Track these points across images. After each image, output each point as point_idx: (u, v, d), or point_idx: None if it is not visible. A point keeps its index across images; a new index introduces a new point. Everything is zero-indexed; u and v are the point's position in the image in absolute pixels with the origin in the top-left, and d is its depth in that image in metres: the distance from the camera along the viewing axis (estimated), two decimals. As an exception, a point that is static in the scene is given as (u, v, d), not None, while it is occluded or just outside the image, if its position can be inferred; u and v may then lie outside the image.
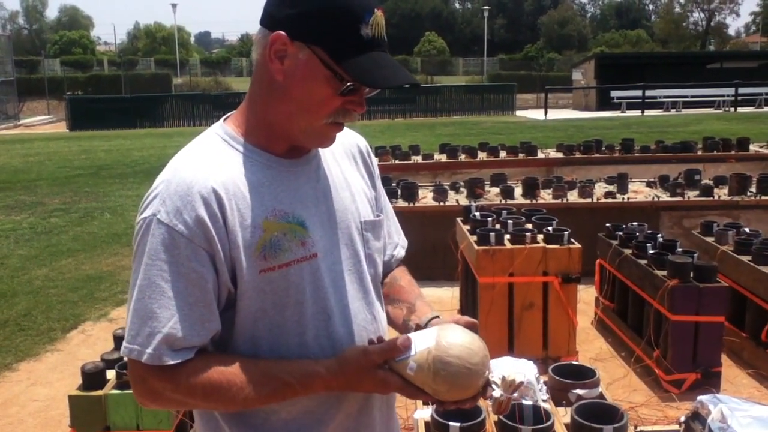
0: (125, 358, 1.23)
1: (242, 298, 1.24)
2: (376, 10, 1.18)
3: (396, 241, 1.59)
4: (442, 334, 1.23)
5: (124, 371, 2.98)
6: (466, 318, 1.33)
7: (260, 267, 1.22)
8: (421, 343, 1.22)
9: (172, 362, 1.19)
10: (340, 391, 1.26)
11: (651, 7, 80.00)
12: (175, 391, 1.20)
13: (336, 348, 1.29)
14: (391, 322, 1.48)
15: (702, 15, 66.40)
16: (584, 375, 2.61)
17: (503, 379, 1.26)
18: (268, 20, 1.22)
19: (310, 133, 1.26)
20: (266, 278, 1.23)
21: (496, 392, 1.25)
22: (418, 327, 1.39)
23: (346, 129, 1.47)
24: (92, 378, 3.00)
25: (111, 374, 3.06)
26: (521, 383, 1.27)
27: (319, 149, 1.36)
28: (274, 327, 1.26)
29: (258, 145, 1.28)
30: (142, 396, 1.23)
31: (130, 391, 2.93)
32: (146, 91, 35.85)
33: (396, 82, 1.20)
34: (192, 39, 72.85)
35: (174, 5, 52.82)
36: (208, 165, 1.23)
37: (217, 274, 1.21)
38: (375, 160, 1.54)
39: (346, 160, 1.44)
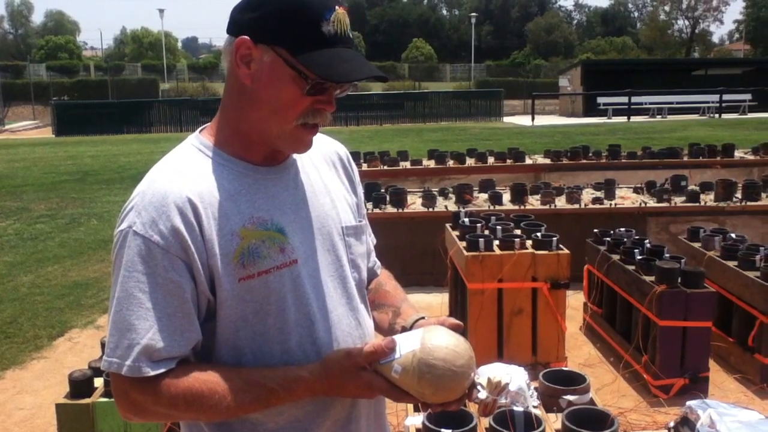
0: (104, 373, 1.22)
1: (222, 306, 1.23)
2: (337, 7, 1.19)
3: (372, 248, 1.59)
4: (427, 336, 1.23)
5: (113, 379, 2.95)
6: (452, 320, 1.33)
7: (239, 275, 1.22)
8: (406, 346, 1.22)
9: (152, 373, 1.18)
10: (324, 395, 1.25)
11: (636, 14, 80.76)
12: (156, 403, 1.19)
13: (321, 354, 1.29)
14: (377, 327, 1.48)
15: (686, 22, 67.08)
16: (575, 381, 2.62)
17: (489, 381, 1.27)
18: (233, 27, 1.23)
19: (283, 137, 1.25)
20: (246, 286, 1.22)
21: (482, 394, 1.25)
22: (404, 329, 1.39)
23: (325, 137, 1.49)
24: (80, 386, 2.97)
25: (99, 382, 3.04)
26: (507, 385, 1.28)
27: (297, 157, 1.36)
28: (256, 335, 1.25)
29: (234, 154, 1.29)
30: (125, 409, 1.22)
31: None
32: (133, 96, 35.75)
33: (359, 75, 1.19)
34: (179, 44, 72.58)
35: (161, 10, 52.67)
36: (184, 175, 1.23)
37: (195, 283, 1.21)
38: (355, 167, 1.54)
39: (325, 166, 1.44)
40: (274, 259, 1.25)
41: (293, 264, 1.27)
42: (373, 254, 1.60)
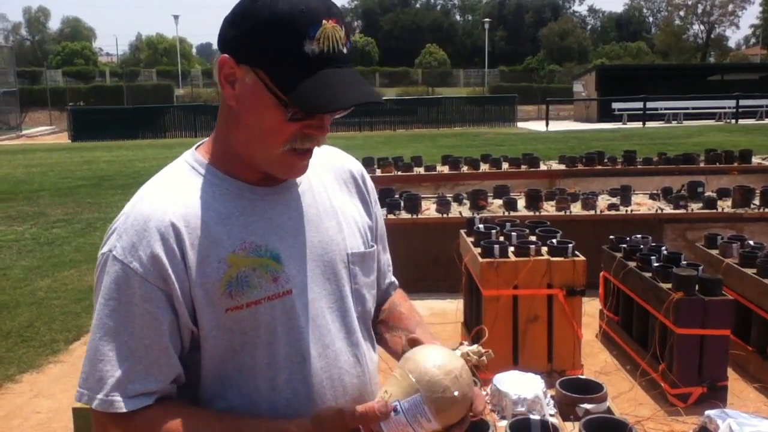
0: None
1: (207, 338, 1.15)
2: (324, 21, 1.06)
3: (388, 269, 1.51)
4: (409, 369, 1.14)
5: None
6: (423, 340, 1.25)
7: (226, 305, 1.13)
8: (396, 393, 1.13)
9: (125, 410, 1.10)
10: None
11: (651, 19, 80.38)
12: None
13: (311, 393, 1.20)
14: (392, 350, 1.39)
15: (702, 27, 66.74)
16: (592, 389, 2.59)
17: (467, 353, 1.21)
18: (221, 43, 1.14)
19: (271, 162, 1.16)
20: (233, 317, 1.14)
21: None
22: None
23: (339, 152, 1.39)
24: (96, 391, 2.99)
25: (115, 387, 3.05)
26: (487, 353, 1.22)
27: (304, 175, 1.25)
28: (243, 369, 1.17)
29: (229, 172, 1.20)
30: None
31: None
32: (148, 102, 35.98)
33: (345, 103, 1.06)
34: (193, 50, 73.15)
35: (176, 17, 53.13)
36: (170, 197, 1.16)
37: (177, 315, 1.13)
38: (372, 186, 1.43)
39: (336, 186, 1.33)
40: (266, 289, 1.15)
41: (286, 295, 1.17)
42: (390, 273, 1.51)
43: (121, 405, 1.10)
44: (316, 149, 1.20)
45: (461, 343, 1.23)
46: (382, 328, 1.42)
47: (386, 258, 1.49)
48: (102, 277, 1.13)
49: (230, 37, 1.11)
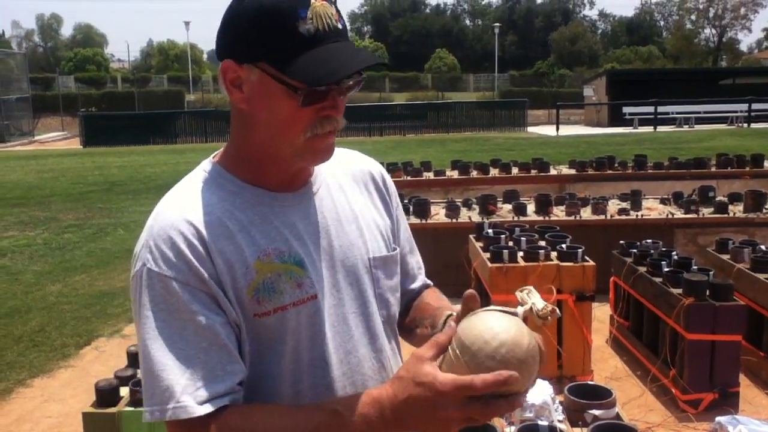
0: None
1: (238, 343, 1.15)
2: (313, 1, 1.07)
3: (419, 271, 1.48)
4: (463, 335, 1.03)
5: (138, 388, 2.98)
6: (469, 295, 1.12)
7: (254, 311, 1.13)
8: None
9: (200, 413, 1.05)
10: (395, 412, 1.04)
11: (662, 23, 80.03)
12: None
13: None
14: (422, 344, 1.38)
15: (713, 31, 66.36)
16: (600, 395, 2.58)
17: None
18: (219, 52, 1.15)
19: (299, 154, 1.15)
20: (261, 323, 1.14)
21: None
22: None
23: (358, 154, 1.39)
24: (106, 395, 3.00)
25: (125, 391, 3.06)
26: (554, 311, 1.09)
27: (321, 180, 1.27)
28: (268, 376, 1.16)
29: (248, 180, 1.19)
30: None
31: (143, 409, 2.93)
32: (159, 107, 36.25)
33: (347, 70, 1.07)
34: (204, 56, 73.41)
35: (187, 23, 53.37)
36: (193, 206, 1.15)
37: (225, 313, 1.12)
38: (393, 187, 1.41)
39: (355, 189, 1.32)
40: (291, 295, 1.15)
41: (311, 300, 1.17)
42: (422, 275, 1.48)
43: (195, 409, 1.05)
44: (335, 152, 1.20)
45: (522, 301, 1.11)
46: (412, 325, 1.40)
47: (415, 260, 1.47)
48: (141, 294, 1.11)
49: (227, 41, 1.13)
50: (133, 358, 3.50)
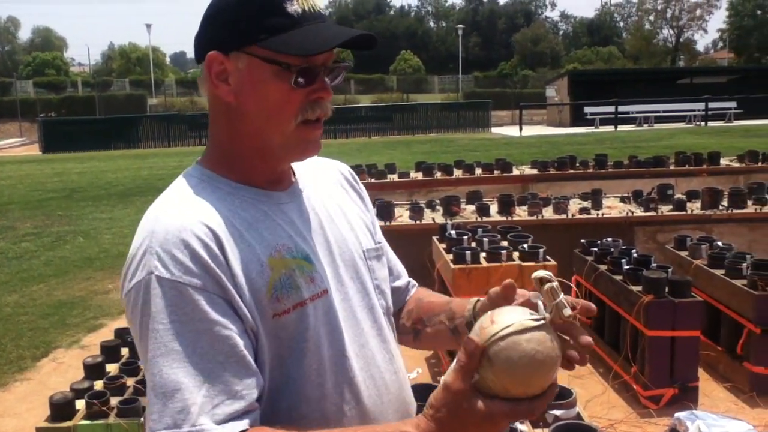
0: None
1: (257, 348, 1.10)
2: None
3: (399, 267, 1.48)
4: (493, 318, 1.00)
5: (94, 401, 2.90)
6: (507, 285, 1.13)
7: (274, 310, 1.08)
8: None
9: None
10: None
11: (622, 24, 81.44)
12: None
13: (358, 395, 1.16)
14: (440, 342, 1.34)
15: (671, 32, 67.73)
16: (561, 395, 2.59)
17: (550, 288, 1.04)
18: (201, 51, 1.14)
19: (288, 143, 1.14)
20: (280, 323, 1.09)
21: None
22: (469, 324, 1.21)
23: (324, 159, 1.39)
24: (61, 409, 2.92)
25: (80, 404, 2.99)
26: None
27: (304, 183, 1.26)
28: (290, 379, 1.11)
29: (240, 180, 1.17)
30: None
31: (100, 422, 2.86)
32: (121, 112, 35.67)
33: (338, 39, 1.10)
34: (167, 59, 72.59)
35: (148, 25, 52.75)
36: (194, 207, 1.10)
37: (242, 320, 1.06)
38: (362, 184, 1.44)
39: (336, 189, 1.34)
40: (307, 290, 1.12)
41: (324, 294, 1.15)
42: (405, 272, 1.49)
43: (213, 431, 0.98)
44: (311, 159, 1.22)
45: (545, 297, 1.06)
46: (418, 326, 1.38)
47: (394, 257, 1.47)
48: (148, 305, 1.02)
49: (210, 37, 1.13)
50: (90, 370, 3.42)
